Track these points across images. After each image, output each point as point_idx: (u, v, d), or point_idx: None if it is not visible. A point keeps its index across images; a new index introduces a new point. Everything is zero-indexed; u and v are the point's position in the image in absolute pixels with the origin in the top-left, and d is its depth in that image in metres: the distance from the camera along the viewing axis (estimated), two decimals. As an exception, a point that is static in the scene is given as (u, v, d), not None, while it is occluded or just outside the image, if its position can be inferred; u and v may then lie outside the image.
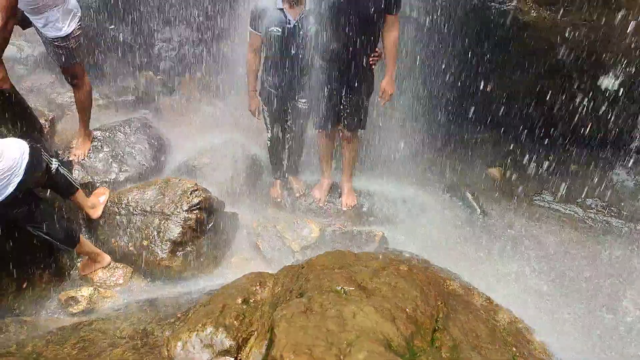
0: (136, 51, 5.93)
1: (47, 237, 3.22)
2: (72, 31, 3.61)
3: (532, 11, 4.20)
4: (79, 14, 3.68)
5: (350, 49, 3.76)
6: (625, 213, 4.69)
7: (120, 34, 5.85)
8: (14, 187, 2.85)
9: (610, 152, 4.98)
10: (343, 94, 4.06)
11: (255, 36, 3.91)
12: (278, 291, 2.52)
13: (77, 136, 4.32)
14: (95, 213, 3.82)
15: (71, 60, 3.76)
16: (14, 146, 2.91)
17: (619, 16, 3.90)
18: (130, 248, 3.75)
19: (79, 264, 3.74)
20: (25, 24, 3.59)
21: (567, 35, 4.14)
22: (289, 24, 3.78)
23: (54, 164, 3.28)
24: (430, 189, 5.17)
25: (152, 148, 4.63)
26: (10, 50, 5.39)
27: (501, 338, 2.46)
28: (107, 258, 3.73)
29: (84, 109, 4.14)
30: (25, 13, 3.49)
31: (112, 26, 5.82)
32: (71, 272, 3.70)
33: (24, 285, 3.33)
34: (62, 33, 3.57)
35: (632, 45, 4.02)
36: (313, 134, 4.55)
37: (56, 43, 3.60)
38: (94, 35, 5.73)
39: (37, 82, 5.29)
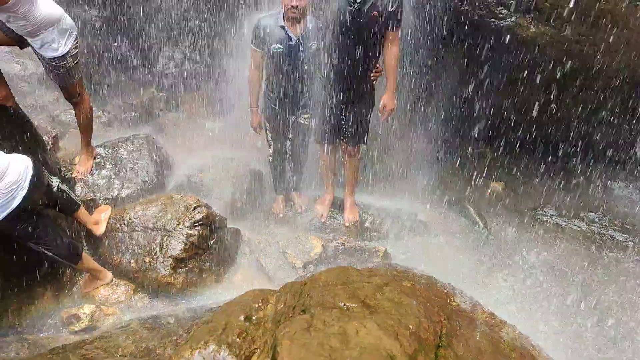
0: (139, 68, 5.99)
1: (50, 254, 3.22)
2: (69, 50, 3.60)
3: (532, 27, 4.23)
4: (75, 33, 3.66)
5: (351, 65, 3.79)
6: (629, 227, 4.67)
7: (124, 52, 5.91)
8: (19, 201, 2.88)
9: (613, 166, 4.98)
10: (344, 109, 4.08)
11: (257, 53, 3.95)
12: (280, 308, 2.51)
13: (79, 153, 4.34)
14: (99, 229, 3.82)
15: (70, 79, 3.75)
16: (18, 160, 2.95)
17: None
18: (132, 265, 3.74)
19: (80, 281, 3.73)
20: (23, 43, 3.57)
21: (566, 49, 4.17)
22: (291, 41, 3.82)
23: (55, 182, 3.29)
24: (432, 203, 5.16)
25: (155, 164, 4.64)
26: (14, 68, 5.46)
27: (505, 354, 2.43)
28: (109, 275, 3.71)
29: (85, 127, 4.15)
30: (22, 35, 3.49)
31: (116, 44, 5.88)
32: (73, 289, 3.69)
33: (26, 303, 3.33)
34: (59, 53, 3.55)
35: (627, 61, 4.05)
36: (315, 149, 4.56)
37: (54, 63, 3.59)
38: (97, 53, 5.80)
39: (40, 99, 5.33)
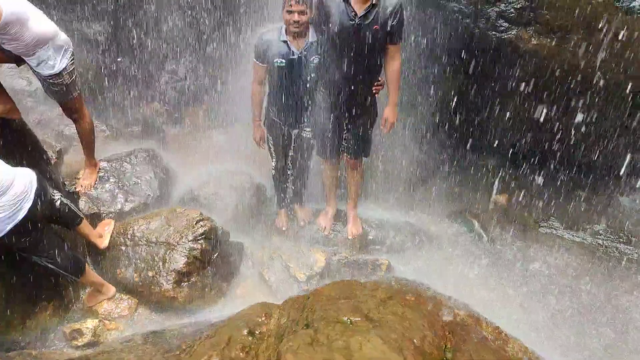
0: (142, 83, 6.03)
1: (53, 267, 3.23)
2: (65, 67, 3.58)
3: (533, 39, 4.25)
4: (71, 49, 3.64)
5: (353, 79, 3.81)
6: (634, 239, 4.63)
7: (128, 67, 5.96)
8: (25, 213, 2.90)
9: (618, 177, 4.96)
10: (346, 122, 4.10)
11: (259, 67, 3.97)
12: (284, 322, 2.50)
13: (83, 167, 4.35)
14: (103, 243, 3.82)
15: (68, 96, 3.74)
16: (23, 173, 2.99)
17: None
18: (136, 279, 3.74)
19: (84, 295, 3.73)
20: (20, 60, 3.54)
21: (568, 61, 4.18)
22: (293, 55, 3.85)
23: (57, 196, 3.31)
24: (436, 216, 5.15)
25: (158, 178, 4.65)
26: (19, 84, 5.50)
27: (511, 369, 2.42)
28: (112, 289, 3.71)
29: (87, 142, 4.15)
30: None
31: (120, 59, 5.93)
32: (76, 304, 3.69)
33: (29, 318, 3.32)
34: (55, 70, 3.53)
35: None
36: (317, 162, 4.56)
37: (51, 80, 3.58)
38: (101, 68, 5.85)
39: (45, 114, 5.35)
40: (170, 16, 5.78)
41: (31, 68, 3.56)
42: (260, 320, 2.56)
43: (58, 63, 3.53)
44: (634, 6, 3.96)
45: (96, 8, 5.70)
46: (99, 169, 4.42)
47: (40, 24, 3.38)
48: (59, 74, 3.56)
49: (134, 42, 5.85)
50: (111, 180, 4.41)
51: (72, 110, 3.89)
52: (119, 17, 5.76)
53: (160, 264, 3.73)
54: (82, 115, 3.97)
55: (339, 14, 3.62)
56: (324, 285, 2.71)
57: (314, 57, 3.87)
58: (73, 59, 3.66)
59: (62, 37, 3.56)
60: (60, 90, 3.66)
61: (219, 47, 5.83)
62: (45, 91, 3.79)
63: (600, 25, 4.01)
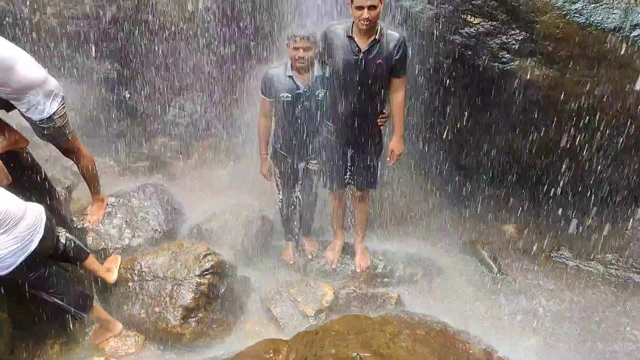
0: (150, 118, 6.11)
1: (61, 303, 3.22)
2: (56, 111, 3.52)
3: (536, 70, 4.29)
4: (62, 93, 3.59)
5: (358, 111, 3.85)
6: (647, 268, 4.57)
7: (136, 103, 6.06)
8: (36, 244, 2.93)
9: (628, 206, 4.92)
10: (352, 155, 4.12)
11: (266, 102, 4.03)
12: (292, 358, 2.46)
13: (91, 203, 4.38)
14: (111, 277, 3.81)
15: (62, 138, 3.71)
16: (32, 206, 3.03)
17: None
18: (142, 315, 3.71)
19: (90, 332, 3.70)
20: (10, 107, 3.51)
21: (570, 91, 4.21)
22: (299, 89, 3.91)
23: (62, 232, 3.34)
24: (445, 247, 5.11)
25: (165, 213, 4.67)
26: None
27: (526, 405, 2.35)
28: (118, 326, 3.68)
29: (90, 179, 4.15)
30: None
31: (128, 95, 6.03)
32: (83, 340, 3.66)
33: (37, 355, 3.30)
34: (46, 114, 3.48)
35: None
36: (324, 195, 4.57)
37: (42, 125, 3.54)
38: (109, 104, 5.94)
39: (54, 151, 5.37)
40: (178, 53, 5.90)
41: (21, 114, 3.51)
42: (268, 356, 2.52)
43: (48, 107, 3.47)
44: (634, 36, 4.00)
45: (106, 46, 5.83)
46: (107, 204, 4.44)
47: (29, 69, 3.35)
48: (49, 118, 3.51)
49: (142, 78, 5.95)
50: (119, 215, 4.43)
51: (68, 151, 3.88)
52: (127, 55, 5.89)
53: (167, 299, 3.71)
54: (80, 155, 3.95)
55: (343, 49, 3.68)
56: (333, 320, 2.68)
57: (319, 91, 3.93)
58: (64, 103, 3.62)
59: (52, 82, 3.52)
60: (53, 133, 3.62)
61: (226, 82, 5.92)
62: (38, 135, 3.72)
63: (601, 55, 4.04)
